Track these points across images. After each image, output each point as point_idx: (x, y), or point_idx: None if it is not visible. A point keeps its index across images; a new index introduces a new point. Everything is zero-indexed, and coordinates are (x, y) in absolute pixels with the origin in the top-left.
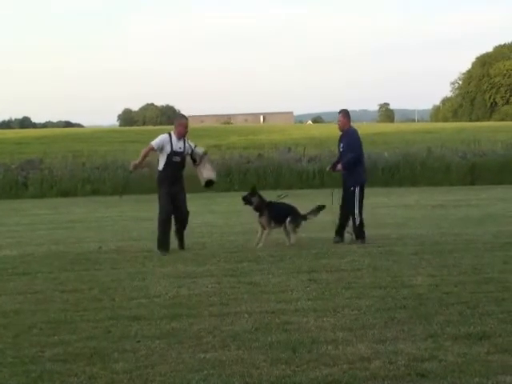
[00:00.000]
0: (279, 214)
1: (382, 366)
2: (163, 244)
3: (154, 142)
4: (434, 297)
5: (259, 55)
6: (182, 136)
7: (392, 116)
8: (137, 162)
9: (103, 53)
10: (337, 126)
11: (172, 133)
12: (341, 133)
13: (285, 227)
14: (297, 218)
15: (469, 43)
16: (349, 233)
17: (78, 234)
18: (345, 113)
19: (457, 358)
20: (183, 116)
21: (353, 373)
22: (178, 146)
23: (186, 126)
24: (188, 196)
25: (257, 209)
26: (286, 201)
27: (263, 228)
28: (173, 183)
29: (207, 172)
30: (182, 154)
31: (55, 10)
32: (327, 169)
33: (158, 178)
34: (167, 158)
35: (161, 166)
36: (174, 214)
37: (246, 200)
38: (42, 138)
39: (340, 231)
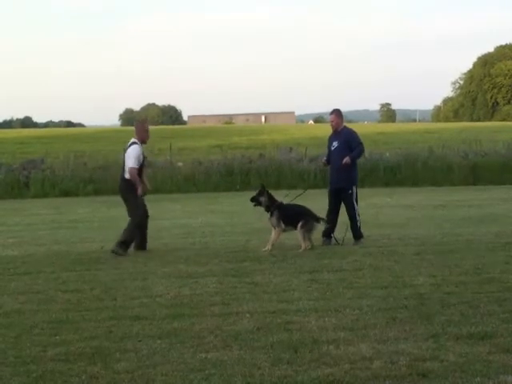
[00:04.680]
0: (291, 216)
1: (384, 365)
2: (129, 245)
3: (134, 162)
4: (435, 297)
5: (261, 55)
6: (145, 142)
7: (393, 116)
8: (139, 186)
9: (105, 52)
10: (330, 126)
11: (136, 140)
12: (332, 132)
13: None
14: (309, 221)
15: (470, 43)
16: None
17: (80, 233)
18: (338, 112)
19: (458, 358)
20: (146, 121)
21: (354, 373)
22: (143, 151)
23: (147, 130)
24: (190, 196)
25: (267, 209)
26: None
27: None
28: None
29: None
30: (146, 158)
31: (56, 9)
32: (323, 160)
33: (129, 186)
34: (139, 164)
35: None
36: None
37: (255, 200)
38: (44, 137)
39: (328, 232)
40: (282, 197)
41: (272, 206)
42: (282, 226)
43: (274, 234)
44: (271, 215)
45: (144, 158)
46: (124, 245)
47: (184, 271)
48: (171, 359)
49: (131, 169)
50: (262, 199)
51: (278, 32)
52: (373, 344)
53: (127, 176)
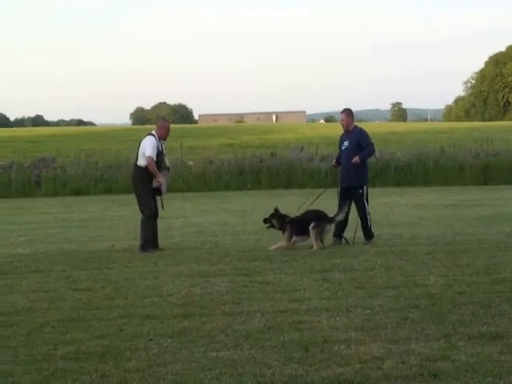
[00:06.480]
0: (303, 224)
1: (395, 365)
2: (153, 241)
3: (151, 151)
4: (446, 297)
5: (272, 54)
6: (163, 138)
7: (405, 115)
8: (158, 179)
9: (116, 52)
10: (341, 125)
11: (154, 133)
12: (343, 131)
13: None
14: (321, 223)
15: (482, 42)
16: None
17: (91, 232)
18: (348, 112)
19: (469, 358)
20: (166, 120)
21: (365, 372)
22: (160, 146)
23: (168, 130)
24: (201, 194)
25: (279, 228)
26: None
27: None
28: (151, 181)
29: (163, 183)
30: (161, 155)
31: (67, 8)
32: (332, 162)
33: (141, 174)
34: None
35: (144, 163)
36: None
37: (268, 222)
38: (55, 136)
39: (339, 232)
40: (296, 210)
41: (283, 224)
42: (294, 239)
43: (283, 242)
44: (284, 231)
45: (161, 153)
46: (146, 244)
47: (195, 270)
48: (182, 358)
49: (150, 158)
50: (274, 221)
51: (289, 31)
52: (384, 344)
53: (140, 163)
